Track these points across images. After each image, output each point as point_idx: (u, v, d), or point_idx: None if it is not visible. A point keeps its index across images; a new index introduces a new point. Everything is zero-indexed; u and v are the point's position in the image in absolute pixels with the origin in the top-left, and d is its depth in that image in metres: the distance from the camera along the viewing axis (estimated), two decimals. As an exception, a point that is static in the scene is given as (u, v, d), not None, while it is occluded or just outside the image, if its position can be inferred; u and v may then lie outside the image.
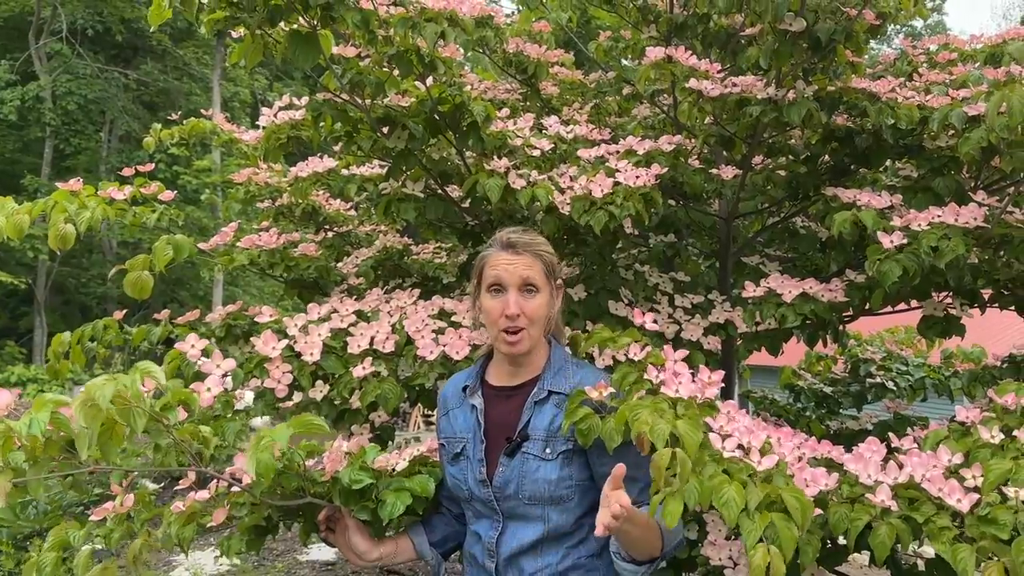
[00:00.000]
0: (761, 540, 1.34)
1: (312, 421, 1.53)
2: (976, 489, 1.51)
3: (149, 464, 1.51)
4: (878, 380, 3.84)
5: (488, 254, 1.70)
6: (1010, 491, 1.46)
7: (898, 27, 23.49)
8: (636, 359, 1.66)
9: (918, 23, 26.09)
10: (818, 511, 1.53)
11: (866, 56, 3.00)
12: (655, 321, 2.20)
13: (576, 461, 1.62)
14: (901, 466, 1.59)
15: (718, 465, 1.44)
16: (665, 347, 1.68)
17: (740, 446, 1.49)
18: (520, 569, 1.63)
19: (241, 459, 1.71)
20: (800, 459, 1.61)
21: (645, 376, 1.60)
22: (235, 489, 1.72)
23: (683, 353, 1.66)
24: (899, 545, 1.52)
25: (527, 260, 1.66)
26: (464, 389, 1.77)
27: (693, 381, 1.58)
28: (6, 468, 1.26)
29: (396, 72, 2.60)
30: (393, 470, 1.77)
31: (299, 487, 1.66)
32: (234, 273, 3.64)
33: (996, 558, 1.38)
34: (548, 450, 1.62)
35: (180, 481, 1.77)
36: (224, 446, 1.80)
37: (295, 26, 2.43)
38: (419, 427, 12.00)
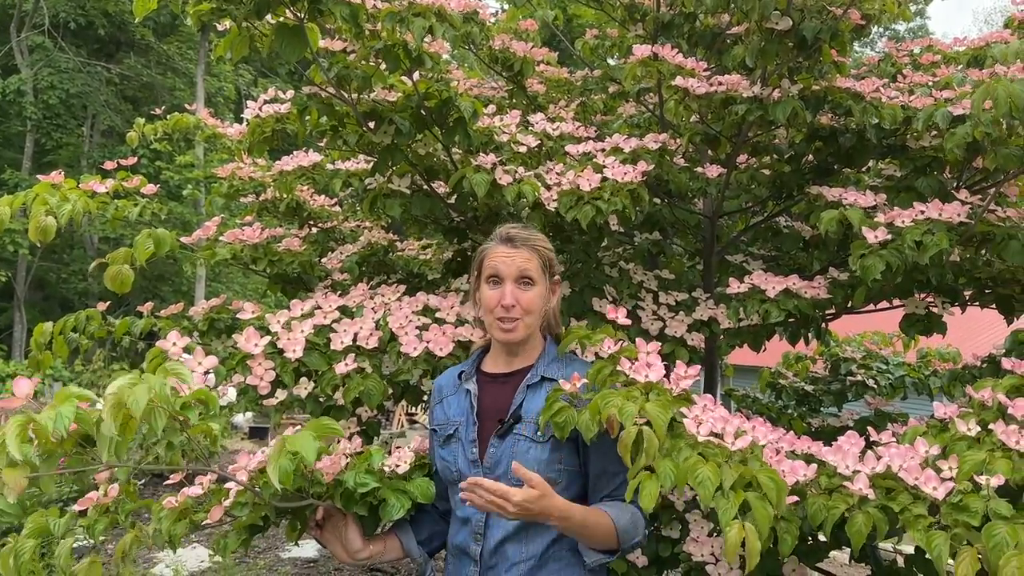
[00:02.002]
0: (736, 518, 1.36)
1: (330, 425, 1.53)
2: (952, 480, 1.53)
3: (161, 462, 1.49)
4: (859, 378, 3.87)
5: (488, 247, 1.77)
6: (982, 479, 1.48)
7: (881, 30, 23.68)
8: (610, 353, 1.69)
9: (901, 27, 26.37)
10: (795, 498, 1.55)
11: (850, 58, 3.02)
12: (628, 316, 2.20)
13: (567, 446, 1.66)
14: (879, 457, 1.61)
15: (693, 449, 1.47)
16: (638, 340, 1.69)
17: (714, 433, 1.51)
18: (505, 556, 1.65)
19: (244, 458, 1.70)
20: (779, 452, 1.63)
21: (619, 369, 1.62)
22: (229, 486, 1.70)
23: (656, 345, 1.68)
24: (881, 542, 1.53)
25: (524, 254, 1.73)
26: (460, 376, 1.84)
27: (667, 373, 1.60)
28: (23, 463, 1.20)
29: (383, 67, 2.59)
30: (394, 471, 1.79)
31: (300, 487, 1.66)
32: (217, 269, 3.60)
33: (970, 544, 1.40)
34: (540, 432, 1.65)
35: (171, 476, 1.74)
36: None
37: (282, 19, 2.42)
38: (402, 425, 11.97)
